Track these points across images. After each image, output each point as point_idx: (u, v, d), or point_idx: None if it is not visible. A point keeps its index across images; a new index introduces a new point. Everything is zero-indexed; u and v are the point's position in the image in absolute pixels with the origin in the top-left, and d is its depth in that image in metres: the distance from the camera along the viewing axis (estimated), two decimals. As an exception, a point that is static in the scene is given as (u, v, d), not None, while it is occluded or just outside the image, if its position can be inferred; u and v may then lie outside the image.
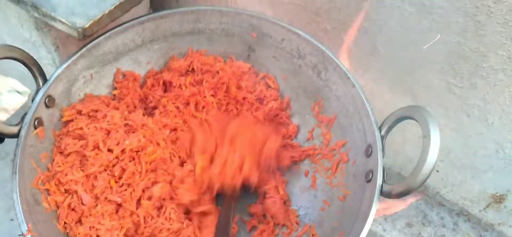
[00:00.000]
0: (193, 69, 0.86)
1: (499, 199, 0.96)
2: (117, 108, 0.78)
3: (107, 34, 0.78)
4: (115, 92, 0.83)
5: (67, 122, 0.75)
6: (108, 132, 0.73)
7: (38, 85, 0.70)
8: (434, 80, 0.85)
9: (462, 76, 0.81)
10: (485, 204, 0.99)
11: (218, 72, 0.85)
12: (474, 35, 0.75)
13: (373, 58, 0.89)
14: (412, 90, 0.90)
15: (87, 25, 0.70)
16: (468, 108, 0.85)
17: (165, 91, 0.87)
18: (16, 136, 0.64)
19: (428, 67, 0.84)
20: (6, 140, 0.65)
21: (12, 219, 1.13)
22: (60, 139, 0.73)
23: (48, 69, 0.72)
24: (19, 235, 0.58)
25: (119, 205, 0.70)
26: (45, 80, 0.70)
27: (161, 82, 0.86)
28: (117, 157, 0.72)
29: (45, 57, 0.90)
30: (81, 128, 0.73)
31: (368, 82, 0.94)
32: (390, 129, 0.68)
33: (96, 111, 0.76)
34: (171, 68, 0.87)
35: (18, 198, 0.60)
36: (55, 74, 0.71)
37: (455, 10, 0.73)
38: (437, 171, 1.01)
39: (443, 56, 0.81)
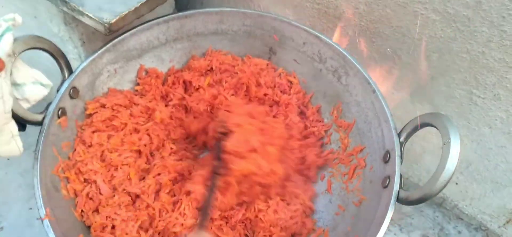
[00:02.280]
0: (212, 68, 0.87)
1: (520, 215, 0.94)
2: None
3: (133, 30, 0.80)
4: (137, 88, 0.85)
5: (90, 115, 0.77)
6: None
7: (63, 76, 0.72)
8: (456, 90, 0.84)
9: (485, 87, 0.80)
10: (505, 219, 0.97)
11: (237, 73, 0.86)
12: (499, 46, 0.73)
13: (394, 65, 0.88)
14: (433, 100, 0.88)
15: (113, 21, 0.72)
16: (490, 120, 0.84)
17: (185, 90, 0.88)
18: (39, 123, 0.66)
19: (451, 76, 0.83)
20: (30, 131, 0.66)
21: (31, 208, 1.16)
22: (83, 130, 0.75)
23: (73, 64, 0.74)
24: (37, 219, 0.60)
25: (137, 196, 0.72)
26: (70, 72, 0.72)
27: (181, 81, 0.87)
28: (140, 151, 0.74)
29: (71, 52, 0.92)
30: (106, 120, 0.75)
31: (388, 89, 0.93)
32: (409, 135, 0.67)
33: (120, 105, 0.78)
34: (192, 68, 0.88)
35: (39, 183, 0.62)
36: (81, 67, 0.73)
37: (480, 20, 0.72)
38: (456, 184, 0.99)
39: (466, 66, 0.80)
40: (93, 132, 0.75)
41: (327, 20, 0.93)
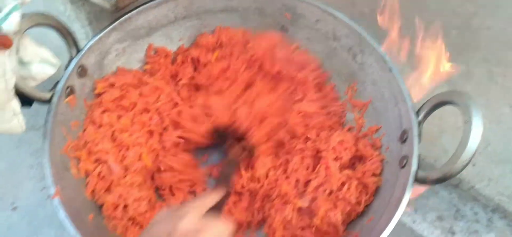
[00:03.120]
0: (221, 44, 0.85)
1: (539, 197, 0.91)
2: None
3: (140, 8, 0.78)
4: (146, 67, 0.83)
5: (99, 94, 0.75)
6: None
7: (71, 54, 0.70)
8: (475, 68, 0.82)
9: (506, 65, 0.77)
10: (524, 201, 0.95)
11: (246, 46, 0.83)
12: (522, 21, 0.70)
13: (411, 43, 0.85)
14: (451, 78, 0.86)
15: (120, -3, 0.70)
16: (511, 98, 0.81)
17: (195, 69, 0.86)
18: (47, 101, 0.65)
19: (470, 54, 0.80)
20: (41, 111, 0.65)
21: (43, 189, 1.16)
22: (92, 110, 0.74)
23: (81, 44, 0.72)
24: (48, 197, 0.59)
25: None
26: (78, 50, 0.71)
27: (189, 59, 0.85)
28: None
29: (78, 31, 0.91)
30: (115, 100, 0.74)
31: (405, 68, 0.90)
32: (427, 114, 0.65)
33: (130, 85, 0.77)
34: (199, 44, 0.86)
35: (48, 162, 0.61)
36: (88, 45, 0.72)
37: (504, -7, 0.69)
38: (474, 165, 0.97)
39: (486, 43, 0.77)
40: (103, 111, 0.74)
41: (341, -2, 0.90)
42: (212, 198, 0.54)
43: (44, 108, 0.66)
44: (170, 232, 0.44)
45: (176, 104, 0.80)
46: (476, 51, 0.79)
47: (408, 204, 0.60)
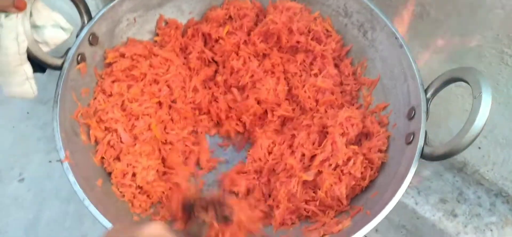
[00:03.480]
0: (230, 17, 0.85)
1: (543, 182, 0.91)
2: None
3: (153, -22, 0.78)
4: (156, 38, 0.84)
5: (110, 64, 0.76)
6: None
7: (83, 22, 0.71)
8: (486, 49, 0.81)
9: (518, 46, 0.77)
10: (528, 186, 0.95)
11: (258, 16, 0.83)
12: (536, 0, 0.70)
13: (422, 22, 0.85)
14: (462, 59, 0.85)
15: (132, -35, 0.70)
16: (521, 81, 0.80)
17: (205, 43, 0.86)
18: (59, 68, 0.66)
19: (482, 34, 0.79)
20: (49, 87, 0.66)
21: (50, 161, 1.18)
22: (103, 79, 0.74)
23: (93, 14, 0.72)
24: (57, 161, 0.60)
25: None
26: (90, 18, 0.71)
27: (200, 33, 0.85)
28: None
29: (90, 3, 0.90)
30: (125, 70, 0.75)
31: (415, 47, 0.90)
32: (436, 91, 0.65)
33: (140, 55, 0.77)
34: (209, 18, 0.86)
35: (58, 126, 0.62)
36: (101, 13, 0.72)
37: (519, -29, 0.68)
38: (479, 148, 0.97)
39: (499, 23, 0.76)
40: (113, 81, 0.75)
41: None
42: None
43: (52, 83, 0.66)
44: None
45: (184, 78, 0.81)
46: (489, 31, 0.78)
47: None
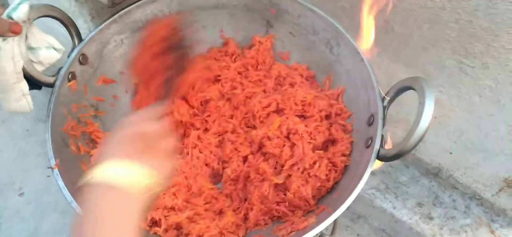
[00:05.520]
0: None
1: (511, 183, 0.96)
2: None
3: (138, 3, 0.86)
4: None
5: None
6: None
7: (74, 43, 0.78)
8: (446, 60, 0.87)
9: (474, 56, 0.83)
10: (498, 188, 1.00)
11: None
12: (485, 14, 0.76)
13: (388, 36, 0.92)
14: (425, 70, 0.92)
15: (117, -7, 0.78)
16: (479, 89, 0.86)
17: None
18: (51, 85, 0.73)
19: (441, 46, 0.86)
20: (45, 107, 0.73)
21: (49, 176, 1.25)
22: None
23: (84, 36, 0.80)
24: (48, 168, 0.67)
25: None
26: (80, 40, 0.79)
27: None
28: None
29: (82, 27, 0.99)
30: None
31: (384, 60, 0.96)
32: (392, 99, 0.71)
33: None
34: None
35: (50, 137, 0.69)
36: (90, 36, 0.80)
37: (467, -11, 0.75)
38: (451, 153, 1.03)
39: (455, 36, 0.83)
40: None
41: (324, -6, 0.96)
42: (162, 107, 0.63)
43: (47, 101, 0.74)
44: (139, 133, 0.53)
45: None
46: (447, 43, 0.85)
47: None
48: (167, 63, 0.75)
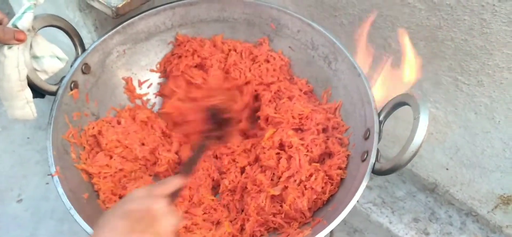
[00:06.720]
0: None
1: (507, 200, 0.97)
2: None
3: (141, 15, 0.88)
4: (144, 68, 0.93)
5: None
6: None
7: (77, 53, 0.80)
8: (443, 77, 0.89)
9: (469, 73, 0.84)
10: (493, 205, 1.00)
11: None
12: (480, 33, 0.78)
13: (385, 53, 0.93)
14: (422, 87, 0.93)
15: (120, 5, 0.80)
16: (475, 106, 0.88)
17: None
18: (54, 93, 0.74)
19: (437, 64, 0.87)
20: (47, 113, 0.74)
21: (47, 183, 1.26)
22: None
23: (87, 46, 0.82)
24: (48, 175, 0.68)
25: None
26: (83, 50, 0.80)
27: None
28: None
29: (85, 37, 1.00)
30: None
31: (380, 76, 0.98)
32: (388, 114, 0.72)
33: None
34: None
35: (51, 145, 0.70)
36: (93, 46, 0.81)
37: (462, 8, 0.77)
38: (447, 169, 1.03)
39: (451, 53, 0.84)
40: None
41: (323, 10, 0.98)
42: (176, 183, 0.61)
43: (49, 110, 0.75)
44: (145, 210, 0.52)
45: None
46: (443, 61, 0.86)
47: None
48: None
